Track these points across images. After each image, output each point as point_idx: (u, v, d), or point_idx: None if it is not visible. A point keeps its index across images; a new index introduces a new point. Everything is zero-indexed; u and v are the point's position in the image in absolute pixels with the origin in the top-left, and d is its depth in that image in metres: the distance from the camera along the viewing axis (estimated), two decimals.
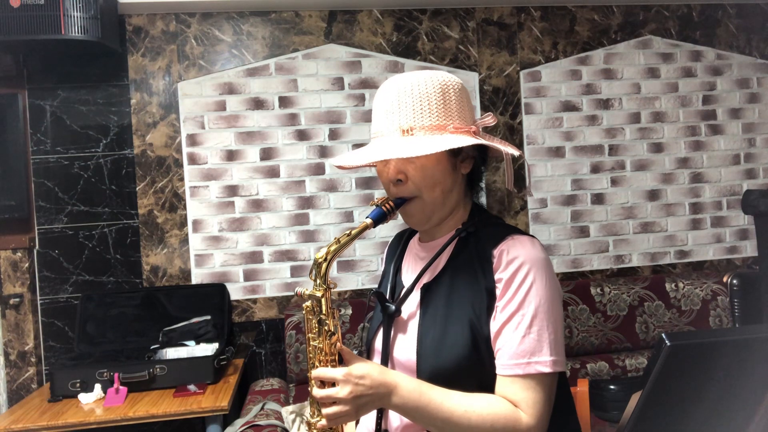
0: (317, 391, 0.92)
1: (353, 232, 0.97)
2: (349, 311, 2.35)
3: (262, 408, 2.00)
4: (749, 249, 2.82)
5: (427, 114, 0.97)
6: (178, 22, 2.48)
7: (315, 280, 0.97)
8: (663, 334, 0.78)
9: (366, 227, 0.98)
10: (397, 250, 1.21)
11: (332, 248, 0.96)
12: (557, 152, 2.70)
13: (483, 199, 2.61)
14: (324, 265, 0.96)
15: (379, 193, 2.56)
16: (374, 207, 1.00)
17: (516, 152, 1.01)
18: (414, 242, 1.17)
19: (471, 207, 1.09)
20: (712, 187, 2.82)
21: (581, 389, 1.40)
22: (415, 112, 0.97)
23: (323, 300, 0.95)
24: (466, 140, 0.96)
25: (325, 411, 0.90)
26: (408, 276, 1.12)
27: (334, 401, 0.90)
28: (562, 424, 1.00)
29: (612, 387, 2.16)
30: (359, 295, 2.56)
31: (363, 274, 2.58)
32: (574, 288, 2.50)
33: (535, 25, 2.69)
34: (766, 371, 0.81)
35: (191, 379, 1.99)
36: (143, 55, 2.46)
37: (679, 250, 2.79)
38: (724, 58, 2.83)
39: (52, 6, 2.07)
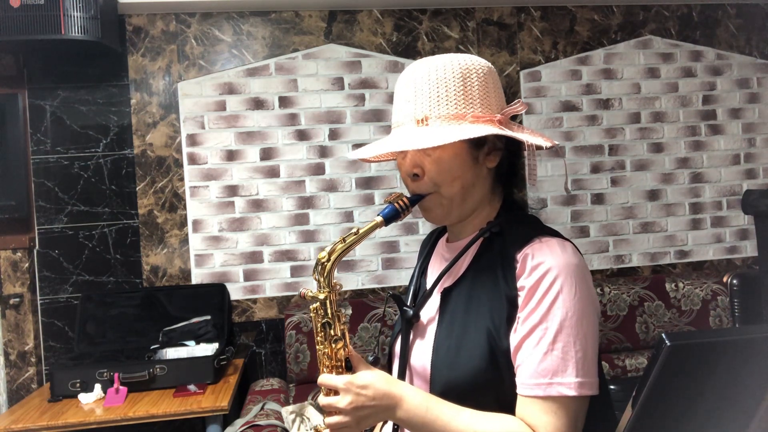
0: (321, 399, 0.88)
1: (361, 231, 0.90)
2: (349, 311, 2.35)
3: (262, 408, 2.00)
4: (749, 249, 2.81)
5: (444, 102, 0.89)
6: (178, 22, 2.48)
7: (318, 282, 0.91)
8: (663, 334, 0.78)
9: (376, 226, 0.91)
10: (426, 249, 1.13)
11: (337, 247, 0.90)
12: (557, 152, 2.70)
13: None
14: (328, 266, 0.90)
15: (379, 194, 2.56)
16: (387, 204, 0.92)
17: (546, 143, 0.92)
18: (442, 242, 1.08)
19: (501, 204, 1.00)
20: (712, 187, 2.82)
21: None
22: (431, 100, 0.89)
23: (327, 303, 0.91)
24: (485, 130, 0.86)
25: (327, 420, 0.86)
26: (432, 278, 1.03)
27: (335, 410, 0.86)
28: None
29: (612, 387, 2.16)
30: (359, 295, 2.56)
31: (363, 274, 2.58)
32: None
33: (535, 25, 2.69)
34: (766, 371, 0.81)
35: (191, 379, 1.99)
36: (143, 55, 2.46)
37: (679, 250, 2.79)
38: (724, 58, 2.83)
39: (52, 6, 2.07)
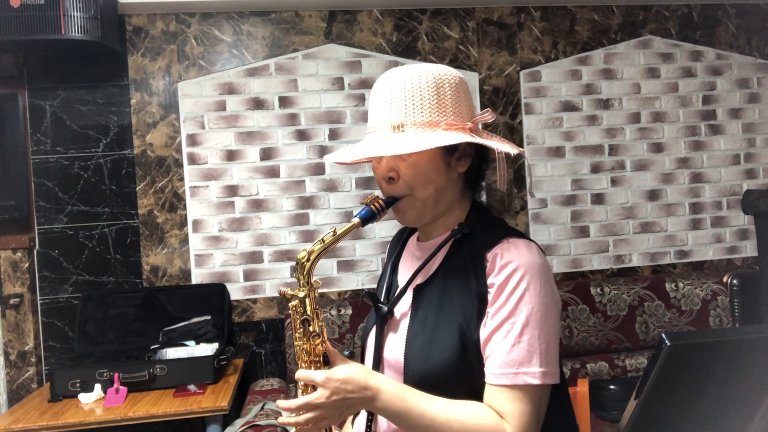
0: (294, 401, 0.91)
1: (339, 231, 0.95)
2: (349, 311, 2.35)
3: (262, 408, 2.00)
4: (749, 249, 2.82)
5: (419, 110, 0.94)
6: (178, 22, 2.48)
7: (298, 280, 0.95)
8: (663, 334, 0.78)
9: (353, 227, 0.95)
10: (397, 247, 1.18)
11: (316, 248, 0.94)
12: (557, 152, 2.70)
13: (483, 199, 2.61)
14: (307, 265, 0.94)
15: (378, 194, 2.56)
16: (364, 206, 0.98)
17: (513, 150, 0.97)
18: (412, 241, 1.14)
19: (470, 206, 1.06)
20: (712, 187, 2.82)
21: (581, 389, 1.40)
22: (407, 107, 0.94)
23: (307, 300, 0.94)
24: (458, 137, 0.92)
25: (306, 415, 0.89)
26: (403, 276, 1.09)
27: (315, 404, 0.88)
28: None
29: (612, 387, 2.16)
30: (359, 295, 2.56)
31: (363, 274, 2.58)
32: (574, 288, 2.50)
33: (535, 25, 2.69)
34: (766, 371, 0.81)
35: (191, 379, 1.98)
36: (143, 55, 2.46)
37: (679, 250, 2.79)
38: (724, 58, 2.83)
39: (52, 6, 2.07)
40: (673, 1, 2.76)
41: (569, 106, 2.72)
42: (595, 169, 2.73)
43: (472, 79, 2.65)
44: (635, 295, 2.50)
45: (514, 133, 2.67)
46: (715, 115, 2.82)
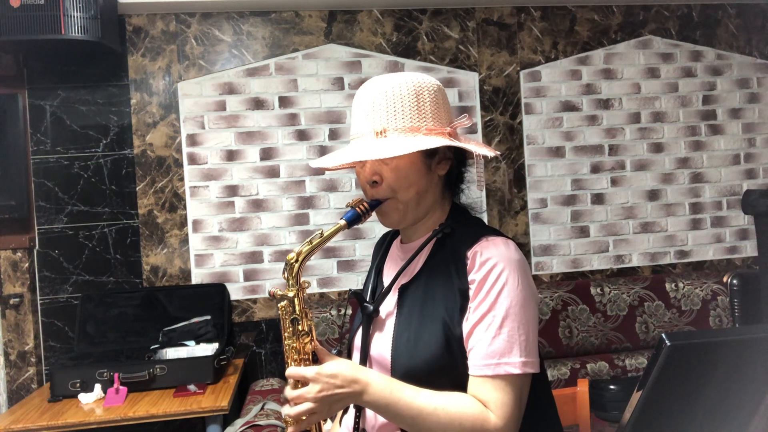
0: (289, 392, 0.94)
1: (326, 233, 0.99)
2: (349, 311, 2.35)
3: (262, 408, 2.00)
4: (749, 249, 2.82)
5: (401, 116, 0.98)
6: (178, 22, 2.48)
7: (288, 281, 0.99)
8: (663, 334, 0.78)
9: (339, 229, 0.99)
10: (380, 251, 1.22)
11: (304, 249, 0.99)
12: (557, 152, 2.70)
13: (482, 200, 2.61)
14: (296, 266, 0.99)
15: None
16: (349, 209, 1.02)
17: (490, 153, 1.01)
18: (395, 244, 1.18)
19: (450, 208, 1.10)
20: (712, 187, 2.82)
21: (581, 389, 1.40)
22: (389, 114, 0.98)
23: (296, 300, 0.98)
24: (438, 141, 0.97)
25: (296, 409, 0.91)
26: (388, 277, 1.13)
27: (305, 400, 0.91)
28: (539, 422, 1.01)
29: (612, 387, 2.16)
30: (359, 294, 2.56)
31: (363, 273, 2.58)
32: (574, 288, 2.50)
33: (535, 25, 2.69)
34: (766, 371, 0.81)
35: (191, 379, 1.99)
36: (143, 55, 2.46)
37: (679, 250, 2.79)
38: (724, 58, 2.83)
39: (52, 6, 2.07)
40: (673, 1, 2.76)
41: (569, 106, 2.72)
42: (595, 169, 2.73)
43: (472, 79, 2.65)
44: (635, 295, 2.50)
45: (514, 133, 2.67)
46: (715, 115, 2.82)
